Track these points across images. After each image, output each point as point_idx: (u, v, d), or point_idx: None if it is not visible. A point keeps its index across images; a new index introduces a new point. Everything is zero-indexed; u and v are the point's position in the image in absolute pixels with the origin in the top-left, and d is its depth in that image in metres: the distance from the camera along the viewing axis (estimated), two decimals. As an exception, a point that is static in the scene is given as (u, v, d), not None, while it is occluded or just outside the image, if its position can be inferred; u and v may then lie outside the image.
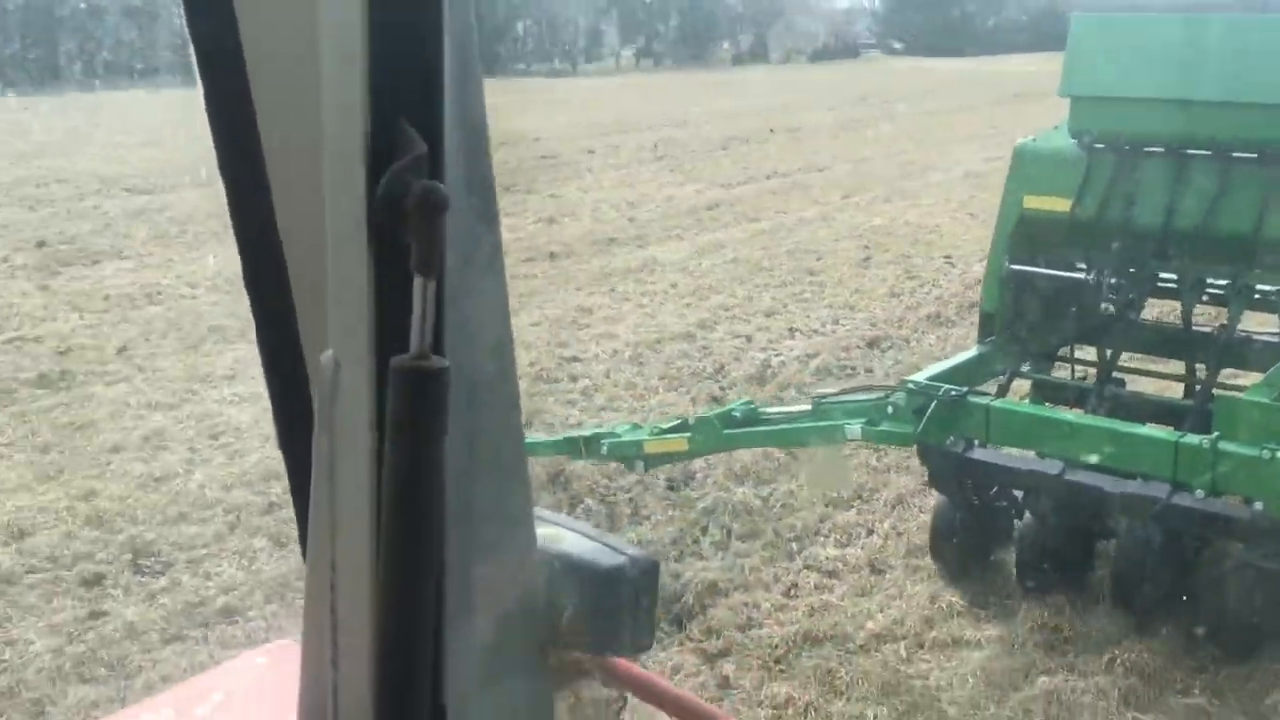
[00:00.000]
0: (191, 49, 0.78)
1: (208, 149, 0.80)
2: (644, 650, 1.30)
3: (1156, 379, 5.08)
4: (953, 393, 4.05)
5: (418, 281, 0.71)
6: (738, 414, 4.46)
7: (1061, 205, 4.32)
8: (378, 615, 0.80)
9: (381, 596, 0.79)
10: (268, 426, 1.00)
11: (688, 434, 4.50)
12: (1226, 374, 4.58)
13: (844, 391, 4.61)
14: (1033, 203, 4.40)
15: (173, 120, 16.82)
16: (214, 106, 0.79)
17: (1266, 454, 3.47)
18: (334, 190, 0.75)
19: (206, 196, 11.96)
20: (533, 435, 5.59)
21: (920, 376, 4.26)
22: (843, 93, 33.62)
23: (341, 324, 0.78)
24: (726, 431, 4.40)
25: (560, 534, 1.23)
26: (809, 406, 4.44)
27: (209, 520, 5.22)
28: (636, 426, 4.88)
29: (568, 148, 20.00)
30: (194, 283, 9.96)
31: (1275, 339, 4.38)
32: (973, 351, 4.65)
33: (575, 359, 7.53)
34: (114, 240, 11.90)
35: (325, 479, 0.81)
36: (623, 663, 1.37)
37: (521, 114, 27.66)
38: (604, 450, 4.65)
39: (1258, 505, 3.58)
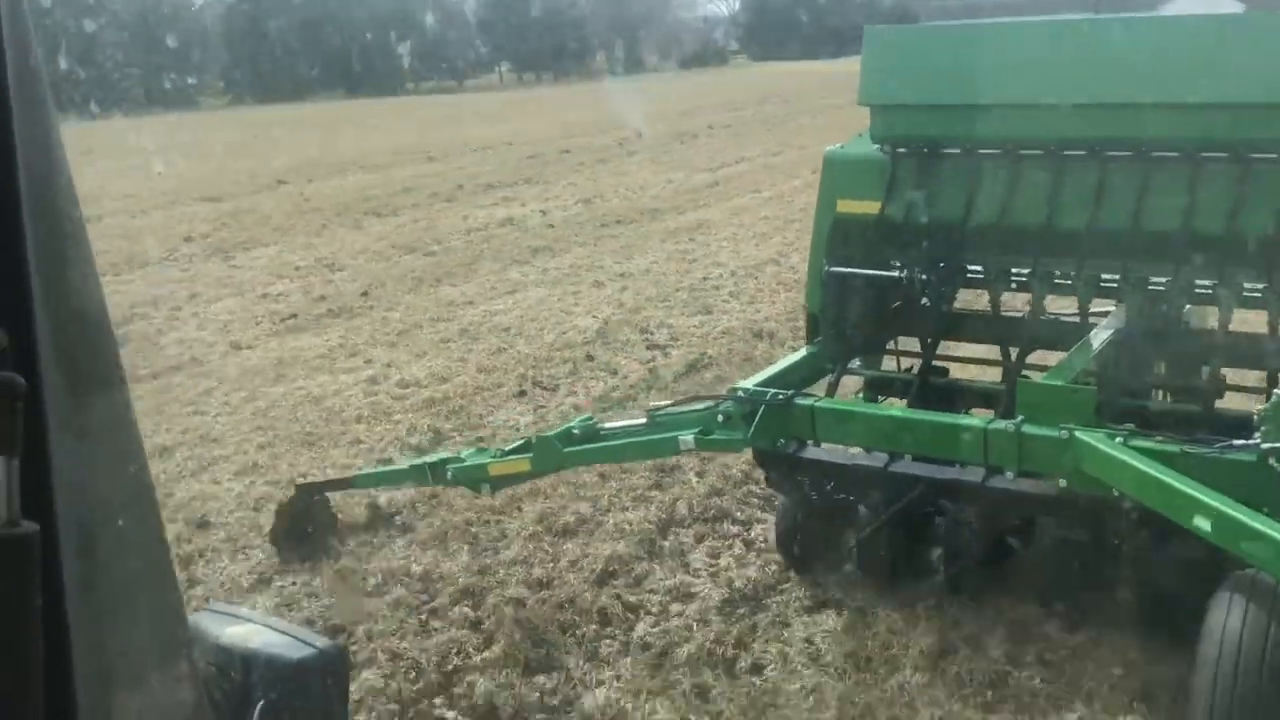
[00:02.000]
0: None
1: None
2: None
3: (980, 365, 5.25)
4: (779, 396, 4.15)
5: (0, 460, 0.77)
6: (577, 431, 4.50)
7: (871, 208, 4.45)
8: None
9: None
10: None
11: (529, 454, 4.55)
12: (1039, 357, 4.71)
13: (677, 403, 4.69)
14: (845, 206, 4.54)
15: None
16: None
17: (1064, 434, 3.60)
18: None
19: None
20: (377, 467, 5.72)
21: (749, 382, 4.35)
22: (742, 95, 37.18)
23: None
24: (567, 450, 4.44)
25: (247, 631, 1.29)
26: (644, 420, 4.51)
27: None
28: (481, 450, 4.91)
29: (544, 149, 22.95)
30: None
31: (1077, 320, 4.51)
32: (801, 353, 4.75)
33: (706, 279, 10.55)
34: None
35: None
36: None
37: (464, 126, 30.34)
38: (449, 475, 4.68)
39: (1061, 482, 3.73)
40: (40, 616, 0.79)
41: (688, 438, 4.20)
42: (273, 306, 10.57)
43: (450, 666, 4.16)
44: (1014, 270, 4.49)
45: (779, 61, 67.34)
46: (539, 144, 24.30)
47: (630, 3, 79.31)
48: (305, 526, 5.09)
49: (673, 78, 59.92)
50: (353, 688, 4.13)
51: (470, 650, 4.24)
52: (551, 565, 4.92)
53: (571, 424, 4.58)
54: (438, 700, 4.00)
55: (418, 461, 4.98)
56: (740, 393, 4.23)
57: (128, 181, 20.11)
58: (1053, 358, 4.54)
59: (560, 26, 73.32)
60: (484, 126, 29.56)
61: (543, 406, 7.18)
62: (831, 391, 4.58)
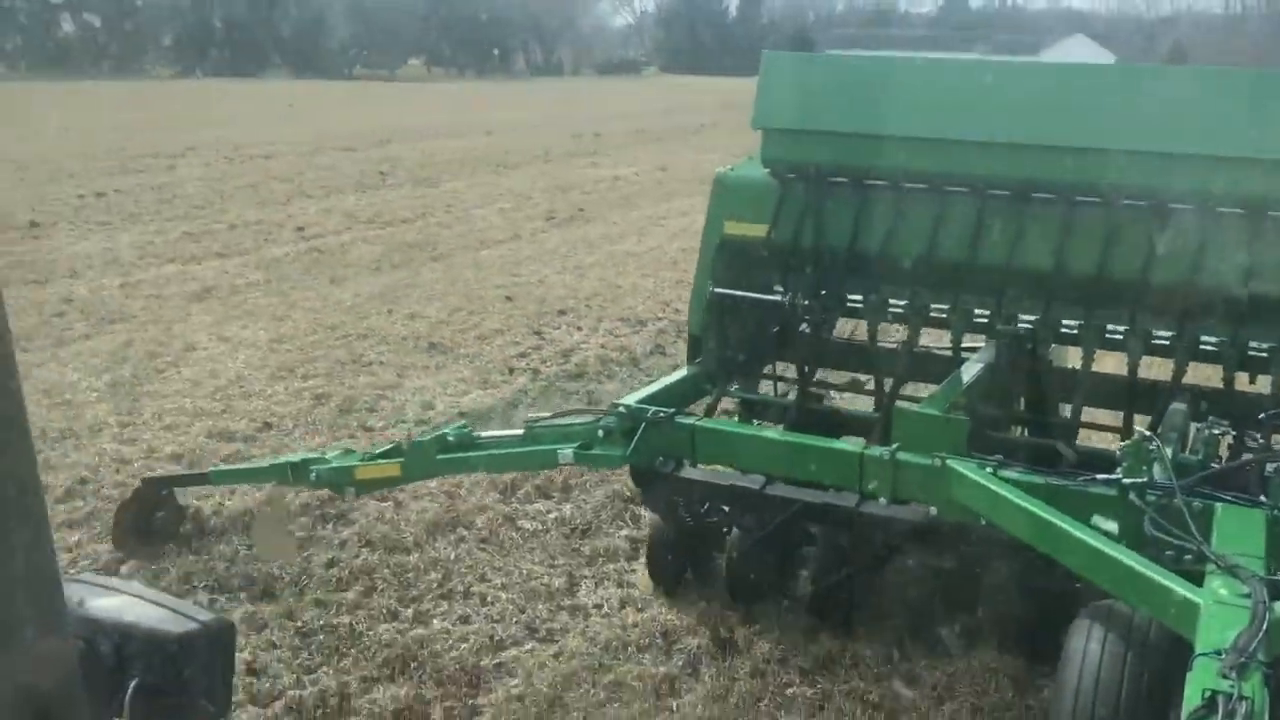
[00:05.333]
0: None
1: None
2: (221, 716, 1.28)
3: (853, 393, 5.35)
4: (660, 414, 4.18)
5: None
6: (452, 438, 4.44)
7: (758, 231, 4.52)
8: None
9: None
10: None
11: (400, 459, 4.47)
12: (912, 387, 4.84)
13: (556, 415, 4.66)
14: (732, 228, 4.62)
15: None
16: None
17: (937, 462, 3.69)
18: None
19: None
20: (233, 464, 5.54)
21: (631, 399, 4.36)
22: (696, 100, 41.50)
23: None
24: (440, 457, 4.41)
25: (120, 603, 1.23)
26: (521, 431, 4.46)
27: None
28: (348, 452, 4.78)
29: (579, 130, 27.52)
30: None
31: (949, 353, 4.62)
32: (682, 372, 4.78)
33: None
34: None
35: None
36: None
37: (477, 111, 34.55)
38: (313, 477, 4.56)
39: (932, 510, 3.84)
40: None
41: (567, 452, 4.21)
42: (522, 214, 14.68)
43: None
44: (892, 301, 4.57)
45: (686, 75, 71.69)
46: (567, 126, 28.31)
47: (554, 7, 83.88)
48: (150, 520, 4.92)
49: (597, 83, 64.18)
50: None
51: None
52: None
53: (446, 430, 4.53)
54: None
55: (279, 460, 4.86)
56: (621, 409, 4.26)
57: (244, 133, 24.21)
58: (923, 389, 4.67)
59: (483, 26, 77.38)
60: (493, 112, 34.15)
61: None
62: (711, 412, 4.65)
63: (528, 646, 4.35)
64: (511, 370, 7.90)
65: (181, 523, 5.07)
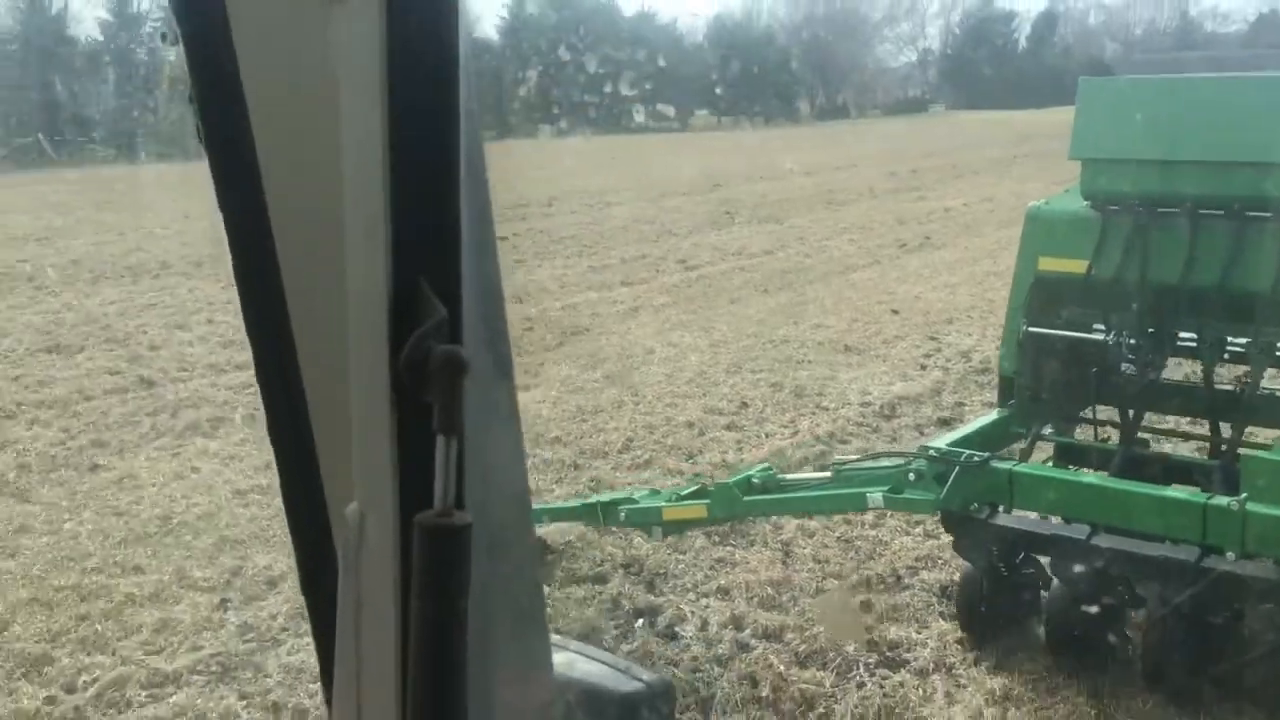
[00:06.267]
0: (221, 217, 0.81)
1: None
2: None
3: (1180, 439, 4.98)
4: (975, 458, 3.97)
5: (440, 441, 0.75)
6: (756, 480, 4.41)
7: (1077, 267, 4.25)
8: None
9: None
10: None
11: (706, 500, 4.47)
12: (1250, 432, 4.36)
13: (865, 457, 4.57)
14: (1048, 265, 4.36)
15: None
16: (242, 271, 0.83)
17: None
18: (358, 350, 0.78)
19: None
20: (549, 501, 5.70)
21: (941, 442, 4.20)
22: (988, 136, 41.21)
23: (366, 478, 0.81)
24: (746, 498, 4.37)
25: (574, 660, 1.27)
26: (829, 474, 4.38)
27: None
28: (655, 493, 4.79)
29: (893, 169, 28.71)
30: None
31: None
32: (993, 415, 4.55)
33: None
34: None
35: (350, 625, 0.83)
36: None
37: (783, 155, 36.07)
38: (622, 517, 4.62)
39: None
40: (466, 608, 0.77)
41: (876, 496, 4.10)
42: (873, 243, 15.70)
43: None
44: (1230, 339, 4.20)
45: (975, 110, 70.54)
46: (876, 165, 28.10)
47: (837, 51, 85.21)
48: None
49: (885, 123, 64.22)
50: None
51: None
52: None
53: (751, 472, 4.49)
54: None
55: (590, 500, 4.93)
56: (932, 452, 4.09)
57: (585, 183, 26.87)
58: (1263, 435, 4.26)
59: (768, 72, 79.51)
60: (792, 155, 35.71)
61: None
62: (1025, 457, 4.40)
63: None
64: (923, 367, 9.03)
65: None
